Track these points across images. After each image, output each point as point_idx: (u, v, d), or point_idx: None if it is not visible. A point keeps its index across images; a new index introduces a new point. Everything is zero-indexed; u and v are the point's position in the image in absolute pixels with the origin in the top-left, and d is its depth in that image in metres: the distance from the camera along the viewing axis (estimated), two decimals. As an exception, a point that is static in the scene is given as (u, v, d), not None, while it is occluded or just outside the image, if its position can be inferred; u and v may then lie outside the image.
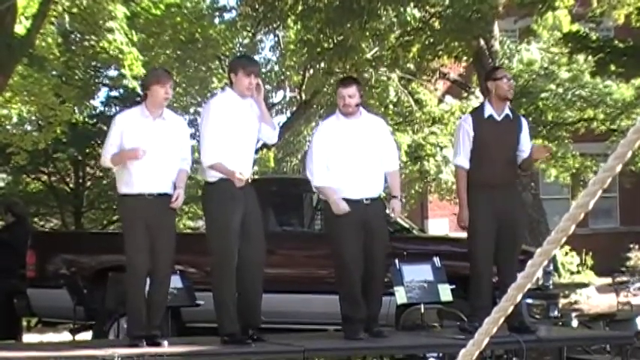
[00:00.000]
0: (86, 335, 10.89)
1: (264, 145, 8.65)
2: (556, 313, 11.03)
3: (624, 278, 16.66)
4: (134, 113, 7.99)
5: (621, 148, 1.76)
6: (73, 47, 19.18)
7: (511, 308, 1.95)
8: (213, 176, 7.91)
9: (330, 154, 8.25)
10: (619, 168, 1.79)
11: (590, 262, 23.19)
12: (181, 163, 8.00)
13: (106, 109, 23.67)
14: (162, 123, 7.88)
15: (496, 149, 8.33)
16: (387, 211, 8.71)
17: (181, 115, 24.93)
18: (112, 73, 21.60)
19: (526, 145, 8.54)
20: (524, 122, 8.76)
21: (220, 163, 7.84)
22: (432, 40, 17.19)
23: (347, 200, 8.16)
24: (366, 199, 8.22)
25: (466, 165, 8.41)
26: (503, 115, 8.44)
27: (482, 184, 8.27)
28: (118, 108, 22.72)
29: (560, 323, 10.87)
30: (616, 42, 16.52)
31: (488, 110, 8.45)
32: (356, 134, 8.31)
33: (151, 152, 7.76)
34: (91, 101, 23.12)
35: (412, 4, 16.47)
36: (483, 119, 8.42)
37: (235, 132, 7.90)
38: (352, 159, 8.22)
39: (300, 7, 17.10)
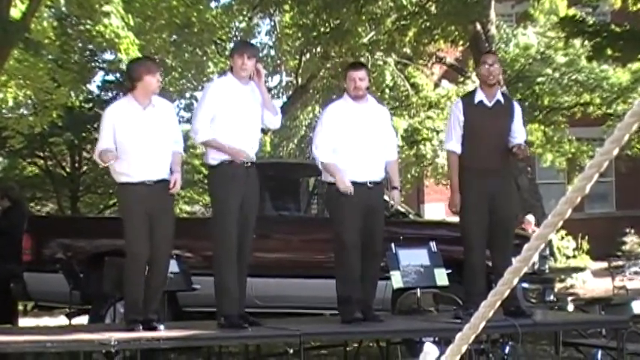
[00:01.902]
0: (82, 319, 10.90)
1: (262, 129, 8.67)
2: (552, 297, 11.07)
3: (620, 262, 16.70)
4: (123, 105, 7.96)
5: (618, 132, 1.75)
6: (69, 31, 19.11)
7: (507, 292, 1.95)
8: (214, 159, 7.93)
9: (337, 135, 8.28)
10: (616, 152, 1.78)
11: (586, 246, 23.24)
12: (174, 146, 7.99)
13: (103, 93, 23.65)
14: (152, 110, 7.86)
15: (486, 134, 8.33)
16: (387, 199, 8.74)
17: (177, 99, 24.95)
18: (109, 57, 21.54)
19: (519, 131, 8.54)
20: (517, 108, 8.74)
21: (216, 139, 7.86)
22: (428, 24, 17.18)
23: (351, 183, 8.18)
24: (370, 183, 8.27)
25: (457, 150, 8.42)
26: (494, 101, 8.44)
27: (473, 168, 8.28)
28: (114, 92, 22.72)
29: (556, 307, 10.91)
30: (612, 26, 16.51)
31: (479, 96, 8.46)
32: (363, 118, 8.37)
33: (146, 141, 7.75)
34: (87, 85, 23.06)
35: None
36: (473, 105, 8.43)
37: (235, 116, 7.90)
38: (359, 142, 8.27)
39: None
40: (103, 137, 7.81)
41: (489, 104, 8.40)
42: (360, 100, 8.41)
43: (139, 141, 7.73)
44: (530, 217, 18.76)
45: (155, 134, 7.80)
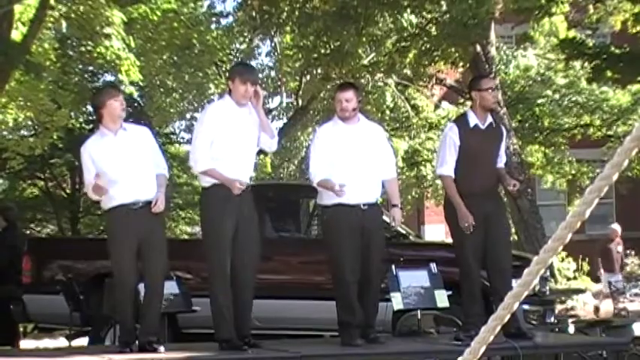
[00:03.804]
0: (82, 341, 10.87)
1: (261, 151, 8.64)
2: (552, 319, 11.04)
3: (621, 284, 16.68)
4: (96, 138, 8.05)
5: (618, 157, 1.76)
6: (70, 52, 19.16)
7: (508, 316, 1.95)
8: (207, 181, 7.92)
9: (328, 158, 8.24)
10: (615, 177, 1.79)
11: (586, 268, 23.20)
12: (156, 169, 8.01)
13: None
14: (124, 134, 7.92)
15: (481, 158, 8.37)
16: (387, 220, 8.71)
17: (178, 120, 24.96)
18: (109, 78, 21.60)
19: (502, 155, 8.66)
20: (504, 131, 8.86)
21: (215, 169, 7.83)
22: (428, 45, 17.21)
23: (344, 205, 8.12)
24: (364, 205, 8.20)
25: (452, 174, 8.40)
26: (487, 124, 8.47)
27: (468, 192, 8.27)
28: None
29: (557, 329, 10.87)
30: (612, 48, 16.56)
31: (473, 119, 8.45)
32: (353, 139, 8.29)
33: (124, 164, 7.80)
34: (88, 107, 23.08)
35: (409, 10, 16.49)
36: (469, 128, 8.42)
37: (232, 139, 7.87)
38: (349, 164, 8.19)
39: (297, 14, 17.11)
40: (88, 173, 7.89)
41: (483, 127, 8.44)
42: (349, 121, 8.34)
43: (118, 165, 7.80)
44: (616, 226, 18.87)
45: (131, 156, 7.85)
